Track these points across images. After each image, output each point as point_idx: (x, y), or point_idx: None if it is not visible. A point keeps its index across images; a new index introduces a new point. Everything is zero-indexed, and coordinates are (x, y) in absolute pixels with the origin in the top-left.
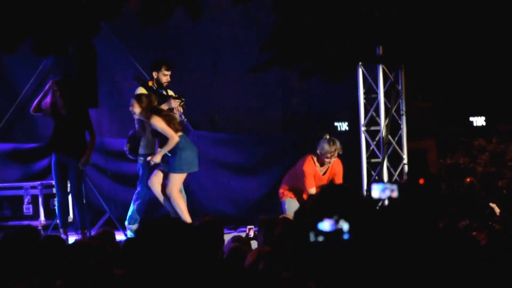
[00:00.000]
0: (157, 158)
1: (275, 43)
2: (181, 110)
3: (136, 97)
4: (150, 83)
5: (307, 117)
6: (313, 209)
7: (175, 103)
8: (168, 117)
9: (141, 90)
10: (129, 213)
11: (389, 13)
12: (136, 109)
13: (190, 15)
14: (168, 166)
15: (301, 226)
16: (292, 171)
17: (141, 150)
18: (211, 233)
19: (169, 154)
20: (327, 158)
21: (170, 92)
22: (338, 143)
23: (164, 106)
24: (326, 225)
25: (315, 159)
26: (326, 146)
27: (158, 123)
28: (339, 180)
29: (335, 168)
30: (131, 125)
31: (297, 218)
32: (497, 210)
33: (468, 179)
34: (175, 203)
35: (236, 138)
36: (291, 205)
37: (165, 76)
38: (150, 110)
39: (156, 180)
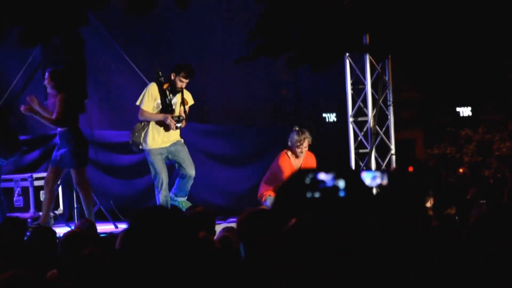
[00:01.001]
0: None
1: (262, 33)
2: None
3: None
4: (165, 86)
5: (295, 108)
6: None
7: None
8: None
9: (152, 87)
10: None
11: (376, 2)
12: None
13: (177, 5)
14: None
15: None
16: (269, 171)
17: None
18: (202, 223)
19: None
20: (298, 147)
21: (186, 93)
22: (307, 133)
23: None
24: (323, 179)
25: (289, 153)
26: (295, 136)
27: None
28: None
29: (309, 162)
30: (121, 116)
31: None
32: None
33: (461, 170)
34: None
35: (224, 129)
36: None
37: (181, 82)
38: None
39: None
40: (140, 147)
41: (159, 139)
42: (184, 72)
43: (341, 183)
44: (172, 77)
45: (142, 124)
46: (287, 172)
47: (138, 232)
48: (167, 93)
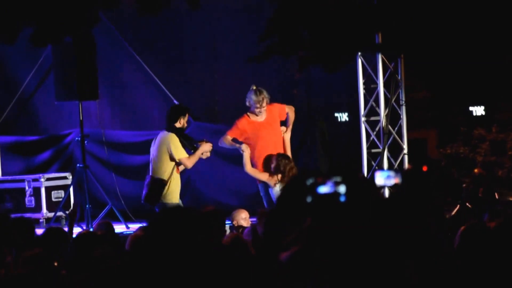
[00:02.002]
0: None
1: (274, 32)
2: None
3: None
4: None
5: (307, 107)
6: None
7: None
8: None
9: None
10: None
11: (388, 1)
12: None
13: (189, 5)
14: None
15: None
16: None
17: None
18: (212, 223)
19: None
20: (257, 108)
21: None
22: (264, 92)
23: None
24: (324, 188)
25: (249, 113)
26: (253, 97)
27: None
28: (283, 112)
29: (274, 110)
30: (132, 117)
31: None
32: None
33: (476, 170)
34: None
35: None
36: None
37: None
38: None
39: None
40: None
41: None
42: (188, 112)
43: (342, 189)
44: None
45: None
46: (233, 128)
47: (157, 232)
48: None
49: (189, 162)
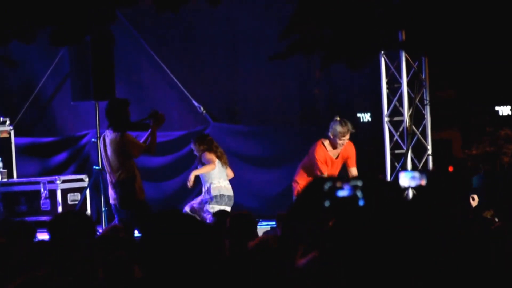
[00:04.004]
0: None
1: (296, 30)
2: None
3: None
4: None
5: (329, 107)
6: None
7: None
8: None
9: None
10: None
11: None
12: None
13: (208, 1)
14: None
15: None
16: (303, 160)
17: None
18: (243, 227)
19: None
20: (340, 140)
21: None
22: (349, 124)
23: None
24: (343, 192)
25: (325, 143)
26: (338, 127)
27: None
28: (353, 162)
29: (348, 151)
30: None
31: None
32: (474, 203)
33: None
34: None
35: (256, 130)
36: None
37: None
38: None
39: None
40: None
41: None
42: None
43: (360, 193)
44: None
45: None
46: (321, 165)
47: (152, 238)
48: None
49: (150, 149)
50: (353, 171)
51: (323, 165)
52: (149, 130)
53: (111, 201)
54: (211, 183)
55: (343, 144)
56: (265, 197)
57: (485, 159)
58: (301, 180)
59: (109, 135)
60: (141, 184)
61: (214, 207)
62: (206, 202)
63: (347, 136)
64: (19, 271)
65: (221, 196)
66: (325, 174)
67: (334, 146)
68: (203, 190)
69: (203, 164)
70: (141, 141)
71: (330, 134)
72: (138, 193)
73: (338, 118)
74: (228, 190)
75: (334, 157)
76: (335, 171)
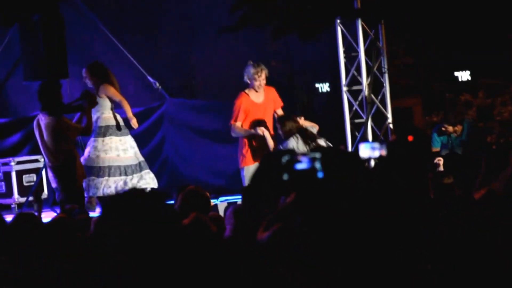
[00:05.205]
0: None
1: (246, 2)
2: None
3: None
4: None
5: (287, 80)
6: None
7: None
8: None
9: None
10: None
11: None
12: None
13: None
14: None
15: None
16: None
17: None
18: (196, 202)
19: None
20: (256, 81)
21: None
22: (262, 65)
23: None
24: (301, 165)
25: (247, 91)
26: (251, 69)
27: None
28: (279, 103)
29: (271, 95)
30: None
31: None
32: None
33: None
34: None
35: (215, 104)
36: (250, 172)
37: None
38: None
39: None
40: None
41: None
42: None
43: (319, 165)
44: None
45: None
46: (236, 111)
47: (110, 217)
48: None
49: (87, 130)
50: (279, 111)
51: (238, 110)
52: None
53: (53, 185)
54: None
55: (260, 85)
56: (223, 172)
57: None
58: (244, 151)
59: (43, 119)
60: (82, 166)
61: None
62: None
63: (263, 76)
64: None
65: None
66: (238, 123)
67: (255, 90)
68: None
69: None
70: (73, 121)
71: (246, 79)
72: (78, 175)
73: (251, 62)
74: None
75: (258, 101)
76: (265, 116)
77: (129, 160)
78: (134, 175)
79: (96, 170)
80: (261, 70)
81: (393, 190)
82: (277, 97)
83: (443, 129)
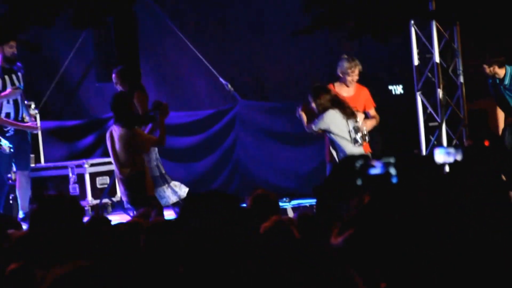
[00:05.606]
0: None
1: (321, 2)
2: None
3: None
4: None
5: (359, 81)
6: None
7: None
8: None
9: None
10: None
11: None
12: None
13: None
14: None
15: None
16: None
17: None
18: (264, 206)
19: None
20: (348, 75)
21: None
22: (357, 60)
23: None
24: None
25: (336, 84)
26: (345, 63)
27: None
28: (369, 105)
29: (363, 94)
30: (180, 97)
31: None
32: None
33: None
34: None
35: (285, 106)
36: None
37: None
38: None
39: None
40: None
41: None
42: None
43: (393, 170)
44: None
45: None
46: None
47: (188, 217)
48: None
49: (161, 141)
50: (372, 112)
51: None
52: (151, 124)
53: (122, 197)
54: None
55: (353, 81)
56: (295, 175)
57: None
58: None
59: (117, 130)
60: (151, 179)
61: None
62: None
63: (356, 72)
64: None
65: None
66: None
67: (345, 85)
68: None
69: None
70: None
71: (338, 72)
72: (148, 190)
73: (345, 56)
74: None
75: (347, 95)
76: None
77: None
78: (173, 181)
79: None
80: (355, 65)
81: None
82: (369, 97)
83: None
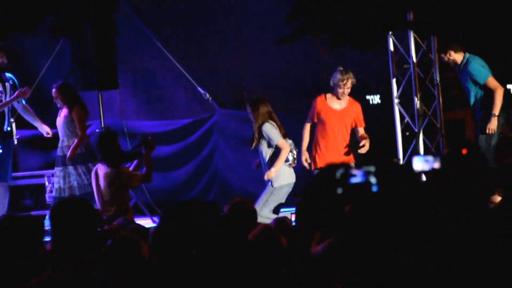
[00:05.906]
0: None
1: (303, 13)
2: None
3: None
4: None
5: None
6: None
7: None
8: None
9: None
10: None
11: None
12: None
13: None
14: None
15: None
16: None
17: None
18: (242, 215)
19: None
20: (340, 87)
21: None
22: (350, 73)
23: None
24: (356, 178)
25: (327, 95)
26: (338, 75)
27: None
28: (360, 122)
29: (354, 109)
30: (158, 106)
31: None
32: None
33: None
34: None
35: None
36: None
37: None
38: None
39: None
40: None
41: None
42: None
43: (373, 179)
44: None
45: None
46: (311, 110)
47: (171, 225)
48: None
49: (147, 177)
50: (361, 130)
51: (311, 112)
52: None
53: None
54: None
55: (344, 93)
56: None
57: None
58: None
59: (102, 169)
60: (133, 218)
61: None
62: None
63: (348, 84)
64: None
65: None
66: (308, 125)
67: (336, 97)
68: None
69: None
70: (131, 169)
71: (331, 83)
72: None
73: (341, 68)
74: None
75: (336, 108)
76: (341, 126)
77: None
78: None
79: None
80: (348, 78)
81: (448, 203)
82: (360, 114)
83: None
